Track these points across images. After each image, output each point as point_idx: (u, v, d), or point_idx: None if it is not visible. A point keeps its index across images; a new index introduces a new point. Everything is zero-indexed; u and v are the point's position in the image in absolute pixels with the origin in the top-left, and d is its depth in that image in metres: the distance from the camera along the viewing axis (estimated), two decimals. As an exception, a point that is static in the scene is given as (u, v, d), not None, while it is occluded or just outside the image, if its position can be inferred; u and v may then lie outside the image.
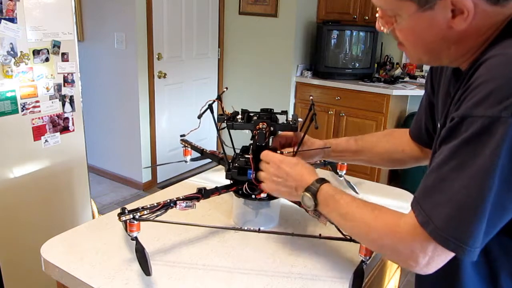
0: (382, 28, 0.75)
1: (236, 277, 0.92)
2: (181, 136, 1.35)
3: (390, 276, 1.28)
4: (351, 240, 0.92)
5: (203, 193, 1.04)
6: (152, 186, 3.70)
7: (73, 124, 1.99)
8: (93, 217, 2.19)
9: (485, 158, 0.59)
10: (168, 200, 1.00)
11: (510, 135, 0.57)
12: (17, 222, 1.86)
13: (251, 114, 1.13)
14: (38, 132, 1.85)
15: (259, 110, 1.13)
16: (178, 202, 1.00)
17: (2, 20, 1.64)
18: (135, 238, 0.93)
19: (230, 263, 0.97)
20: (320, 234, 0.98)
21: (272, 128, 1.07)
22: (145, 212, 0.96)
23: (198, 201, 1.04)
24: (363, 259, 0.90)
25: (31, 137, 1.83)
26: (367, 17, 3.65)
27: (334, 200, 0.83)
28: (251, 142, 1.06)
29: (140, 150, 3.53)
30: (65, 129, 1.96)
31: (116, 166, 3.77)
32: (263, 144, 1.02)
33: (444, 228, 0.63)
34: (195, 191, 1.05)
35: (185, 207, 1.00)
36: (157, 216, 0.98)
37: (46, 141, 1.89)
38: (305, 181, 0.88)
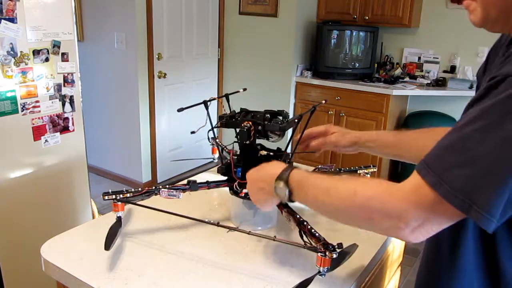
0: None
1: (236, 277, 0.92)
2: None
3: (390, 276, 1.28)
4: (306, 247, 0.86)
5: (190, 185, 1.07)
6: (152, 186, 3.69)
7: (73, 124, 1.99)
8: (93, 217, 2.19)
9: None
10: (154, 187, 1.05)
11: None
12: (17, 222, 1.86)
13: (248, 113, 1.13)
14: (38, 132, 1.85)
15: (259, 110, 1.13)
16: (161, 190, 1.03)
17: (2, 20, 1.64)
18: (119, 218, 1.01)
19: (230, 263, 0.97)
20: (275, 236, 0.95)
21: (260, 128, 1.05)
22: (128, 195, 1.01)
23: (184, 192, 1.06)
24: (320, 270, 0.83)
25: (31, 137, 1.83)
26: (367, 17, 3.65)
27: (309, 180, 0.78)
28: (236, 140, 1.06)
29: (140, 150, 3.54)
30: (65, 129, 1.96)
31: (116, 166, 3.77)
32: (247, 142, 1.03)
33: (461, 190, 0.57)
34: (195, 194, 1.05)
35: (168, 195, 1.02)
36: (141, 199, 1.03)
37: (46, 141, 1.89)
38: (272, 175, 0.83)
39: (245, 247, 1.04)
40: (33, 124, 1.83)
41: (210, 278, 0.91)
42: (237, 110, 1.15)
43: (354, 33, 3.77)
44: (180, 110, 1.08)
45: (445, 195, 0.59)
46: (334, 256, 0.81)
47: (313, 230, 0.88)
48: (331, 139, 1.14)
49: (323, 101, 1.35)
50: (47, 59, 1.83)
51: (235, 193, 1.09)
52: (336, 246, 0.82)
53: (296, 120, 1.06)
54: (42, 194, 1.94)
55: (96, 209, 2.24)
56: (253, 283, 0.91)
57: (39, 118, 1.85)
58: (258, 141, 1.08)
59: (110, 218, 1.16)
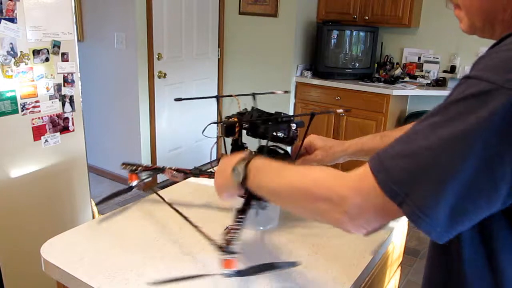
0: None
1: (236, 277, 0.92)
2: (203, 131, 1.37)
3: (390, 276, 1.28)
4: (222, 249, 0.85)
5: (193, 171, 1.14)
6: (152, 186, 3.70)
7: (73, 124, 1.99)
8: (93, 217, 2.19)
9: (469, 124, 0.51)
10: (162, 166, 1.20)
11: (505, 109, 0.49)
12: (17, 222, 1.86)
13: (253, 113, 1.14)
14: (38, 132, 1.85)
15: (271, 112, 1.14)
16: (167, 169, 1.16)
17: (2, 20, 1.64)
18: (130, 187, 1.20)
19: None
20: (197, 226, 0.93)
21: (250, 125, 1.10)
22: (139, 168, 1.20)
23: (187, 177, 1.17)
24: (226, 272, 0.83)
25: (31, 137, 1.83)
26: (367, 17, 3.65)
27: (267, 164, 0.78)
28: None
29: (140, 150, 3.53)
30: (65, 129, 1.96)
31: (116, 166, 3.74)
32: (233, 138, 1.07)
33: (397, 180, 0.56)
34: (196, 193, 1.05)
35: (172, 176, 1.16)
36: (149, 175, 1.22)
37: (46, 141, 1.89)
38: (235, 161, 0.83)
39: (245, 247, 1.04)
40: (33, 124, 1.83)
41: (210, 277, 0.91)
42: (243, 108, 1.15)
43: (354, 33, 3.77)
44: (177, 99, 1.10)
45: (380, 182, 0.57)
46: (223, 257, 0.82)
47: (232, 231, 0.88)
48: (316, 157, 1.13)
49: (339, 111, 1.36)
50: (47, 59, 1.83)
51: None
52: (227, 250, 0.83)
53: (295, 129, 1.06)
54: (42, 194, 1.94)
55: (96, 209, 2.24)
56: (253, 283, 0.91)
57: (39, 118, 1.85)
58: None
59: (110, 218, 1.16)
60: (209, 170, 1.15)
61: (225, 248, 0.83)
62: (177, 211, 1.03)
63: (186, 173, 1.12)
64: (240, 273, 0.84)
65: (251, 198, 0.92)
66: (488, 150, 0.50)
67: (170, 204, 1.11)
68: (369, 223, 0.62)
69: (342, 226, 0.64)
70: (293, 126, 1.06)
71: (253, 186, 0.79)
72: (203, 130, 1.17)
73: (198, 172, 1.12)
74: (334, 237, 1.09)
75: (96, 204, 1.45)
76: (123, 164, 1.18)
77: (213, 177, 1.09)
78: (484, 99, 0.51)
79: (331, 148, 1.10)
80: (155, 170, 1.17)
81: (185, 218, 0.99)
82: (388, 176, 0.57)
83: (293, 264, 0.88)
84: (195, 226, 0.96)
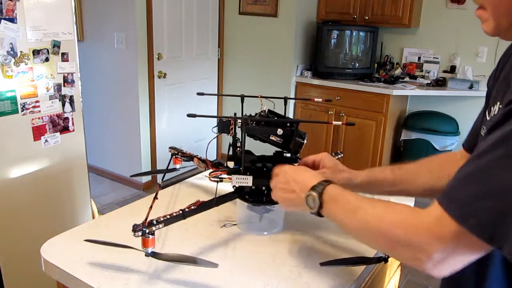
0: None
1: (236, 277, 0.92)
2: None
3: (390, 276, 1.28)
4: (140, 228, 0.88)
5: (213, 163, 1.17)
6: (152, 186, 3.70)
7: (73, 124, 1.99)
8: (93, 217, 2.19)
9: None
10: (194, 154, 1.32)
11: None
12: (17, 222, 1.86)
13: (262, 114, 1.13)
14: (38, 132, 1.85)
15: (259, 110, 1.13)
16: (195, 158, 1.30)
17: (2, 20, 1.64)
18: (174, 168, 1.35)
19: (231, 263, 0.97)
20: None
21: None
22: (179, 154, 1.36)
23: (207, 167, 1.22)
24: (143, 250, 0.89)
25: (31, 137, 1.83)
26: (367, 17, 3.65)
27: (343, 196, 0.77)
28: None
29: (140, 150, 3.54)
30: (65, 129, 1.96)
31: (116, 166, 3.77)
32: (231, 136, 1.08)
33: (489, 223, 0.54)
34: (195, 193, 1.05)
35: (198, 164, 1.29)
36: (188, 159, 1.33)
37: (46, 141, 1.89)
38: (309, 183, 0.83)
39: (246, 246, 1.04)
40: (33, 124, 1.83)
41: (211, 278, 0.91)
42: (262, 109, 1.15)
43: (354, 33, 3.77)
44: (190, 115, 1.07)
45: (472, 229, 0.56)
46: (136, 236, 0.87)
47: (173, 213, 0.94)
48: (323, 175, 1.07)
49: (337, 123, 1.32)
50: (47, 59, 1.83)
51: (248, 201, 1.08)
52: (142, 230, 0.87)
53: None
54: (42, 194, 1.94)
55: (96, 209, 2.24)
56: (253, 283, 0.91)
57: (39, 118, 1.85)
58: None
59: (110, 218, 1.16)
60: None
61: (142, 227, 0.87)
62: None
63: (207, 164, 1.18)
64: (155, 255, 0.89)
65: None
66: None
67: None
68: (454, 266, 0.61)
69: (426, 271, 0.62)
70: (279, 131, 1.03)
71: (327, 215, 0.80)
72: (215, 127, 1.17)
73: (218, 164, 1.15)
74: (335, 238, 1.09)
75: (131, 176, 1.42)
76: (170, 148, 1.38)
77: (225, 172, 1.09)
78: None
79: (341, 172, 1.05)
80: (188, 157, 1.31)
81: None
82: (479, 222, 0.55)
83: (214, 264, 0.88)
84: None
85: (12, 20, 1.67)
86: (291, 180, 0.88)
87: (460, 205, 0.57)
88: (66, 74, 1.92)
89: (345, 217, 0.76)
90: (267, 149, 1.12)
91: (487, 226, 0.54)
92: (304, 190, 0.83)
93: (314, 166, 1.07)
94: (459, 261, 0.60)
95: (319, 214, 0.81)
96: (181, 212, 0.95)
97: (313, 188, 0.81)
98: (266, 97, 1.18)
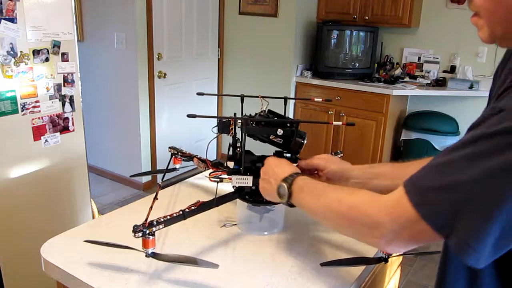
0: None
1: (236, 277, 0.92)
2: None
3: (390, 276, 1.28)
4: (140, 229, 0.88)
5: (212, 163, 1.17)
6: (152, 186, 3.70)
7: (73, 124, 1.99)
8: (93, 217, 2.19)
9: (510, 159, 0.52)
10: (193, 154, 1.31)
11: None
12: (17, 222, 1.86)
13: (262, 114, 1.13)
14: (38, 132, 1.85)
15: (259, 110, 1.13)
16: (195, 158, 1.28)
17: (2, 20, 1.64)
18: (174, 168, 1.33)
19: (231, 263, 0.97)
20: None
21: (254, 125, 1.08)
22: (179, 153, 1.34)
23: (207, 167, 1.22)
24: (144, 251, 0.89)
25: (31, 137, 1.83)
26: (367, 17, 3.65)
27: (308, 185, 0.84)
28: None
29: (140, 150, 3.54)
30: (65, 129, 1.96)
31: (116, 166, 3.77)
32: (231, 136, 1.08)
33: (442, 214, 0.57)
34: (195, 193, 1.05)
35: (198, 164, 1.28)
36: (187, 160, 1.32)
37: (46, 141, 1.89)
38: (283, 175, 0.89)
39: (246, 246, 1.04)
40: (33, 124, 1.83)
41: (211, 278, 0.91)
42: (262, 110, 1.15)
43: (354, 33, 3.77)
44: (190, 116, 1.07)
45: (425, 216, 0.59)
46: (137, 237, 0.87)
47: (174, 214, 0.94)
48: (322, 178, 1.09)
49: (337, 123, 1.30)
50: (47, 59, 1.83)
51: (248, 201, 1.08)
52: (143, 231, 0.87)
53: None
54: (42, 194, 1.94)
55: (96, 209, 2.24)
56: (253, 283, 0.91)
57: (39, 118, 1.85)
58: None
59: (110, 218, 1.16)
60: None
61: (142, 228, 0.87)
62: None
63: (207, 164, 1.18)
64: (155, 256, 0.89)
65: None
66: None
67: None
68: (406, 246, 0.65)
69: (379, 247, 0.67)
70: (279, 132, 1.04)
71: (296, 203, 0.87)
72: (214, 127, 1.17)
73: (218, 164, 1.16)
74: (335, 238, 1.09)
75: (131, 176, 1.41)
76: (170, 148, 1.37)
77: (225, 172, 1.10)
78: None
79: (343, 163, 1.07)
80: (188, 157, 1.31)
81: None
82: (433, 211, 0.58)
83: (214, 265, 0.88)
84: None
85: (12, 20, 1.67)
86: (270, 171, 0.95)
87: (420, 192, 0.60)
88: (66, 74, 1.92)
89: (310, 203, 0.82)
90: (267, 149, 1.12)
91: (439, 217, 0.57)
92: (277, 181, 0.90)
93: (317, 171, 1.08)
94: (409, 242, 0.64)
95: (289, 204, 0.88)
96: (181, 212, 0.95)
97: (284, 180, 0.88)
98: (266, 97, 1.18)
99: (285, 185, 0.87)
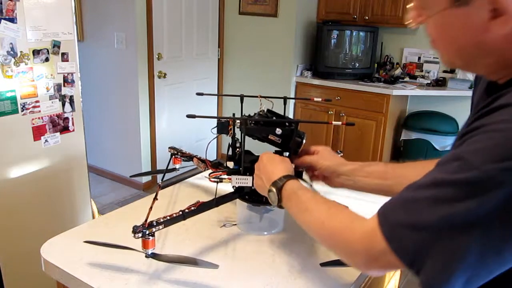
0: (410, 21, 0.65)
1: (236, 277, 0.92)
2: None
3: (390, 276, 1.28)
4: (140, 230, 0.88)
5: (212, 164, 1.17)
6: (152, 186, 3.70)
7: (73, 124, 1.99)
8: (93, 217, 2.19)
9: (467, 210, 0.52)
10: (193, 154, 1.30)
11: (501, 202, 0.50)
12: (17, 222, 1.86)
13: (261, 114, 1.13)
14: (38, 132, 1.85)
15: (258, 110, 1.13)
16: (194, 158, 1.27)
17: (2, 20, 1.64)
18: (174, 168, 1.33)
19: (231, 263, 0.97)
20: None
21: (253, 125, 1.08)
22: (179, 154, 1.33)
23: (206, 167, 1.22)
24: (144, 252, 0.89)
25: (31, 137, 1.83)
26: (367, 17, 3.65)
27: (296, 195, 0.84)
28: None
29: (140, 150, 3.54)
30: (65, 129, 1.96)
31: (116, 166, 3.77)
32: (230, 136, 1.09)
33: (411, 251, 0.58)
34: (195, 193, 1.05)
35: (198, 164, 1.27)
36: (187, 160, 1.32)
37: (46, 141, 1.89)
38: (274, 176, 0.90)
39: (246, 246, 1.04)
40: (33, 124, 1.83)
41: (211, 278, 0.91)
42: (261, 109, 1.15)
43: (354, 33, 3.77)
44: (190, 116, 1.06)
45: (396, 251, 0.59)
46: (136, 237, 0.87)
47: (173, 215, 0.94)
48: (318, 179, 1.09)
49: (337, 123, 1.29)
50: (47, 59, 1.83)
51: (248, 200, 1.08)
52: (143, 231, 0.87)
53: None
54: (42, 194, 1.94)
55: (96, 209, 2.24)
56: (253, 283, 0.91)
57: (39, 118, 1.85)
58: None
59: (110, 218, 1.16)
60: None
61: (142, 229, 0.87)
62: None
63: (206, 164, 1.18)
64: (155, 256, 0.90)
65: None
66: (490, 234, 0.52)
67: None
68: (384, 271, 0.69)
69: (360, 270, 0.70)
70: (278, 131, 1.04)
71: (286, 209, 0.88)
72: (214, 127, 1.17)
73: (217, 165, 1.16)
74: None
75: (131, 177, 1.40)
76: (170, 148, 1.36)
77: (225, 172, 1.10)
78: (478, 191, 0.52)
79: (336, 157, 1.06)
80: (188, 157, 1.31)
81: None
82: (402, 247, 0.59)
83: (214, 266, 0.88)
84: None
85: (12, 20, 1.67)
86: (262, 168, 0.95)
87: (390, 227, 0.61)
88: (66, 74, 1.92)
89: (297, 216, 0.84)
90: (267, 149, 1.12)
91: (408, 253, 0.58)
92: (268, 182, 0.91)
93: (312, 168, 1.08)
94: (386, 270, 0.67)
95: (280, 207, 0.89)
96: (181, 213, 0.95)
97: (274, 183, 0.89)
98: (265, 97, 1.18)
99: (274, 190, 0.87)
